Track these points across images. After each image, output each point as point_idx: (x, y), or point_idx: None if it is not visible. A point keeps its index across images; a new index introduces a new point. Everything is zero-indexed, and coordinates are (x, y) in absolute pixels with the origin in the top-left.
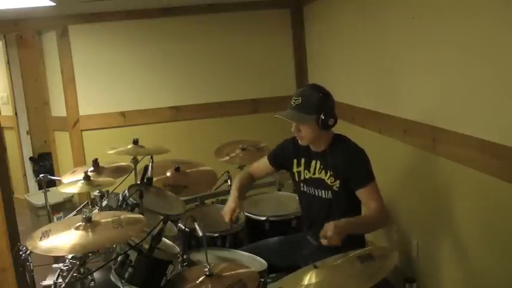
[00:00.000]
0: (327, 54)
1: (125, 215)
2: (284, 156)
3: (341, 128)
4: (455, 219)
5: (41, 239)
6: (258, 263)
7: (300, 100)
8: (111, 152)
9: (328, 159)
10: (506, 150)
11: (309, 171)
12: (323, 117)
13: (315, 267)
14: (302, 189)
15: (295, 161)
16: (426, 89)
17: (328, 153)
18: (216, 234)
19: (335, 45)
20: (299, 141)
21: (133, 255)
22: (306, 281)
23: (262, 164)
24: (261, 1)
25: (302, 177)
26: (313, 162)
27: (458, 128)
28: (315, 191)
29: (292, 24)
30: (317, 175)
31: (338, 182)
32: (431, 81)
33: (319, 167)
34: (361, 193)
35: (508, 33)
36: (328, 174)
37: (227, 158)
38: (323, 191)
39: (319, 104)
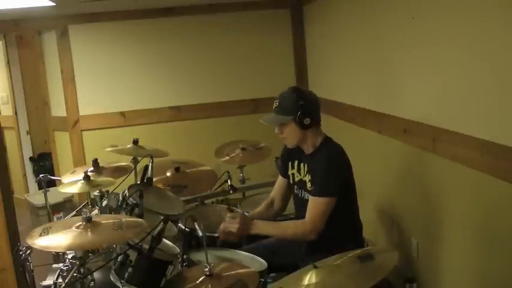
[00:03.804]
0: (327, 54)
1: (126, 218)
2: (285, 163)
3: (341, 128)
4: (455, 219)
5: (41, 235)
6: (258, 263)
7: (277, 103)
8: (109, 149)
9: (311, 163)
10: (506, 150)
11: (299, 174)
12: (299, 116)
13: (315, 267)
14: (295, 191)
15: (290, 163)
16: (426, 89)
17: (313, 156)
18: (216, 234)
19: (335, 45)
20: (285, 143)
21: (133, 255)
22: (306, 281)
23: (277, 182)
24: (261, 1)
25: (295, 179)
26: (302, 164)
27: (458, 128)
28: (301, 192)
29: (292, 24)
30: (303, 177)
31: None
32: (431, 81)
33: (305, 170)
34: (309, 200)
35: (508, 33)
36: (308, 177)
37: (227, 158)
38: (306, 194)
39: (294, 104)
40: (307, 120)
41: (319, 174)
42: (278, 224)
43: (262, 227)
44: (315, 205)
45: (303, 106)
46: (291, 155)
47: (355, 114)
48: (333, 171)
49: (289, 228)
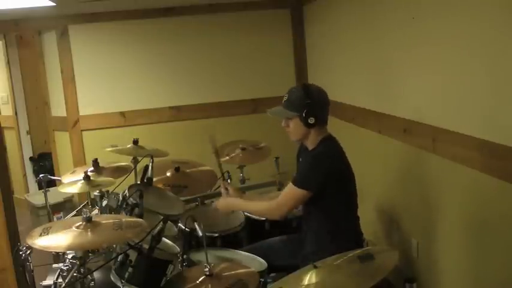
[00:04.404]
0: (327, 54)
1: (126, 218)
2: (298, 160)
3: (341, 128)
4: (455, 219)
5: (41, 235)
6: (258, 263)
7: (286, 97)
8: (109, 149)
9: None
10: (506, 150)
11: None
12: (304, 114)
13: (315, 267)
14: None
15: (299, 160)
16: (426, 89)
17: (310, 153)
18: (216, 234)
19: (335, 45)
20: (289, 136)
21: (133, 255)
22: (306, 281)
23: None
24: (261, 1)
25: None
26: None
27: (458, 128)
28: None
29: (292, 24)
30: None
31: None
32: (431, 81)
33: None
34: (287, 185)
35: (508, 33)
36: None
37: (227, 158)
38: None
39: (300, 102)
40: (311, 120)
41: (302, 166)
42: (252, 201)
43: (237, 202)
44: (289, 191)
45: (309, 105)
46: (301, 152)
47: (355, 114)
48: (314, 167)
49: (259, 205)
